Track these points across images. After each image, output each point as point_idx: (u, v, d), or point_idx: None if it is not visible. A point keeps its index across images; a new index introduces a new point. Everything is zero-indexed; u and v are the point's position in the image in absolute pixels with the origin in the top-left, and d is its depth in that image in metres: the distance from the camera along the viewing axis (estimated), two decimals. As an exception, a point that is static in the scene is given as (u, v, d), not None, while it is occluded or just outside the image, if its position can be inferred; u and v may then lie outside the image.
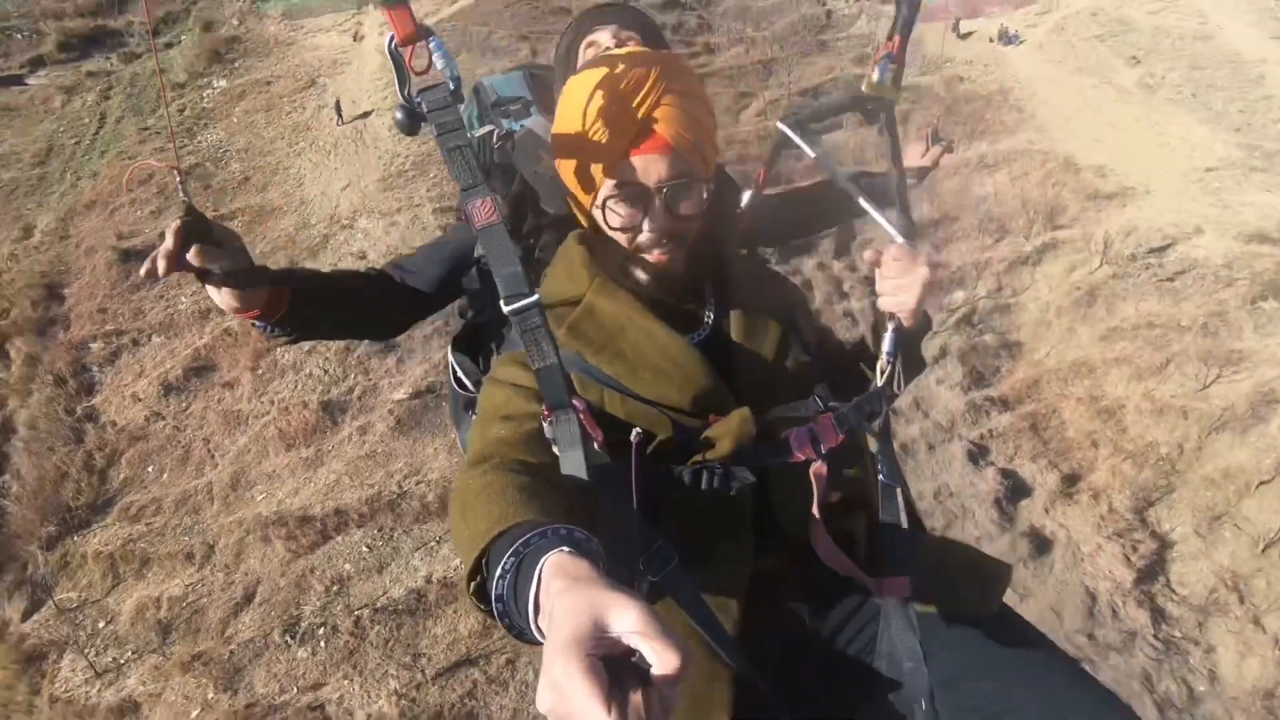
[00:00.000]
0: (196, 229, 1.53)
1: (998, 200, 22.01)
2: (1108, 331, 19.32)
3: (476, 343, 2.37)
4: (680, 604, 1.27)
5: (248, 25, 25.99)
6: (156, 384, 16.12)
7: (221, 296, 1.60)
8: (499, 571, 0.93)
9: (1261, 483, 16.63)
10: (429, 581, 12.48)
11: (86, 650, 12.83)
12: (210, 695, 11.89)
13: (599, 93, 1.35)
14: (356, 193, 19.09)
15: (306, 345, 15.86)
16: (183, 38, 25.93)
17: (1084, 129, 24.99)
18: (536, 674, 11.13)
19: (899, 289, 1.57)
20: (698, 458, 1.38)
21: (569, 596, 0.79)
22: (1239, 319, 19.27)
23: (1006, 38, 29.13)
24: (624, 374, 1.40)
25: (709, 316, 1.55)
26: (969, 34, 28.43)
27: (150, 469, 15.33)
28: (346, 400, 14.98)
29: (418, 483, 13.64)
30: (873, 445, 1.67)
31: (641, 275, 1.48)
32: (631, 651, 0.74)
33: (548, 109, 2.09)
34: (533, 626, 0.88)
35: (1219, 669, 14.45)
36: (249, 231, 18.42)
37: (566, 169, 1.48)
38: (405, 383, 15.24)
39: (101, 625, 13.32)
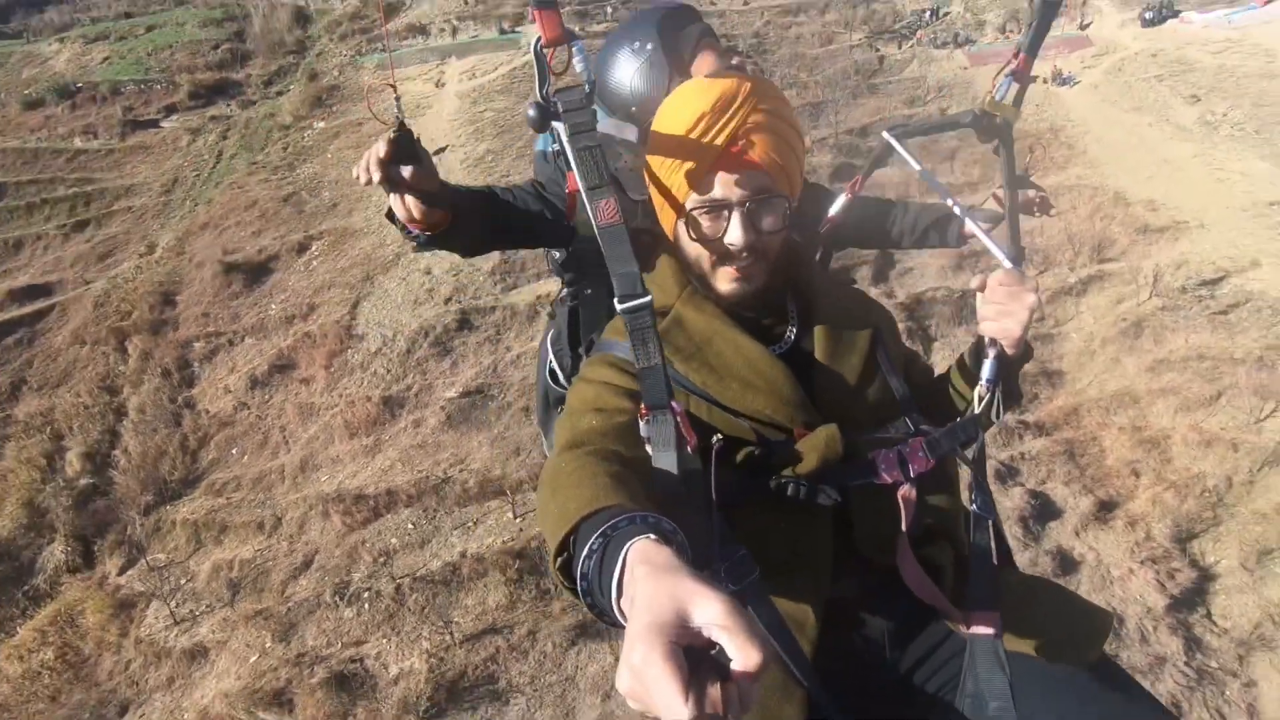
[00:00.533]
0: (405, 145, 1.61)
1: (1042, 233, 21.98)
2: (1155, 363, 18.86)
3: (573, 340, 2.48)
4: (761, 619, 1.24)
5: (345, 75, 29.04)
6: (245, 379, 18.09)
7: (404, 207, 1.63)
8: (585, 551, 0.95)
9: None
10: (463, 557, 13.54)
11: (169, 602, 14.43)
12: (268, 644, 13.20)
13: (693, 110, 1.42)
14: (428, 217, 21.07)
15: (374, 347, 17.53)
16: (291, 87, 29.17)
17: (1137, 165, 24.72)
18: (555, 646, 12.11)
19: (1004, 314, 1.56)
20: (784, 472, 1.37)
21: (652, 583, 0.79)
22: (1299, 353, 18.60)
23: (1061, 79, 29.21)
24: (711, 383, 1.41)
25: (791, 332, 1.55)
26: (1023, 75, 28.65)
27: (234, 451, 17.17)
28: (404, 396, 16.47)
29: (461, 470, 14.86)
30: (965, 474, 1.61)
31: (722, 288, 1.51)
32: (712, 644, 0.73)
33: (614, 110, 2.14)
34: (615, 608, 0.88)
35: (1260, 703, 13.88)
36: (332, 249, 20.56)
37: (655, 180, 1.51)
38: (457, 383, 16.64)
39: (183, 582, 14.97)
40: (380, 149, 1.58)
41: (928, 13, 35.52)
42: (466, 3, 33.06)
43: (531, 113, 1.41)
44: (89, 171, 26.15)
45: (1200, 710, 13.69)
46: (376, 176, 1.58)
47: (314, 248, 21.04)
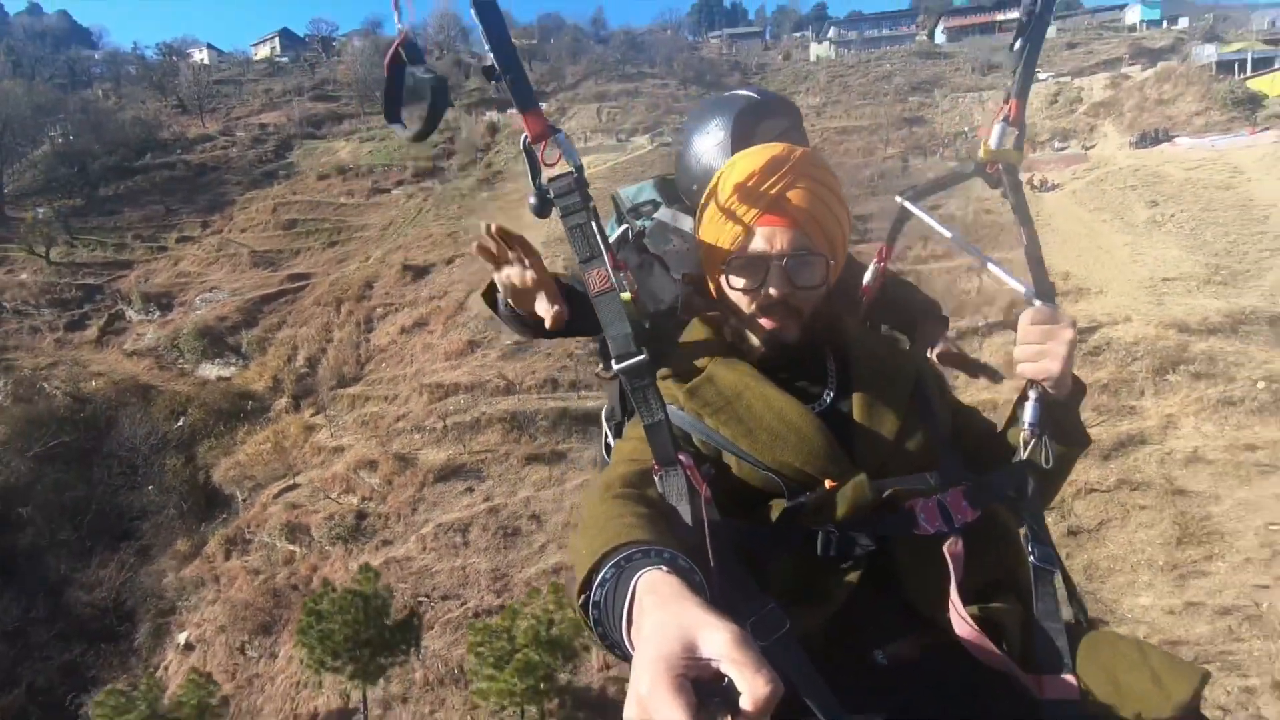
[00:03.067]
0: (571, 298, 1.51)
1: (979, 293, 27.73)
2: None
3: (625, 413, 2.79)
4: (790, 675, 1.08)
5: (508, 165, 41.70)
6: (398, 329, 29.04)
7: (528, 301, 1.49)
8: (599, 580, 0.93)
9: (1090, 489, 20.28)
10: (482, 415, 22.87)
11: (330, 427, 25.02)
12: (375, 447, 23.19)
13: (745, 168, 1.42)
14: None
15: (473, 314, 27.68)
16: (474, 171, 42.34)
17: (1076, 249, 29.53)
18: (516, 460, 21.93)
19: (1042, 354, 1.40)
20: (813, 523, 1.27)
21: (659, 613, 0.77)
22: (1142, 384, 22.83)
23: (1045, 186, 34.54)
24: (741, 436, 1.32)
25: (829, 395, 1.43)
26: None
27: (384, 365, 27.90)
28: (482, 340, 26.41)
29: (499, 377, 24.26)
30: (1023, 528, 1.42)
31: (757, 340, 1.43)
32: (720, 676, 0.69)
33: (673, 205, 2.09)
34: (625, 639, 0.84)
35: None
36: (469, 262, 31.64)
37: (705, 235, 1.50)
38: (511, 336, 26.57)
39: (342, 421, 25.48)
40: (556, 309, 1.45)
41: (962, 134, 42.35)
42: (600, 120, 45.26)
43: (533, 201, 1.44)
44: (343, 215, 40.39)
45: None
46: (549, 324, 1.47)
47: (456, 261, 32.27)
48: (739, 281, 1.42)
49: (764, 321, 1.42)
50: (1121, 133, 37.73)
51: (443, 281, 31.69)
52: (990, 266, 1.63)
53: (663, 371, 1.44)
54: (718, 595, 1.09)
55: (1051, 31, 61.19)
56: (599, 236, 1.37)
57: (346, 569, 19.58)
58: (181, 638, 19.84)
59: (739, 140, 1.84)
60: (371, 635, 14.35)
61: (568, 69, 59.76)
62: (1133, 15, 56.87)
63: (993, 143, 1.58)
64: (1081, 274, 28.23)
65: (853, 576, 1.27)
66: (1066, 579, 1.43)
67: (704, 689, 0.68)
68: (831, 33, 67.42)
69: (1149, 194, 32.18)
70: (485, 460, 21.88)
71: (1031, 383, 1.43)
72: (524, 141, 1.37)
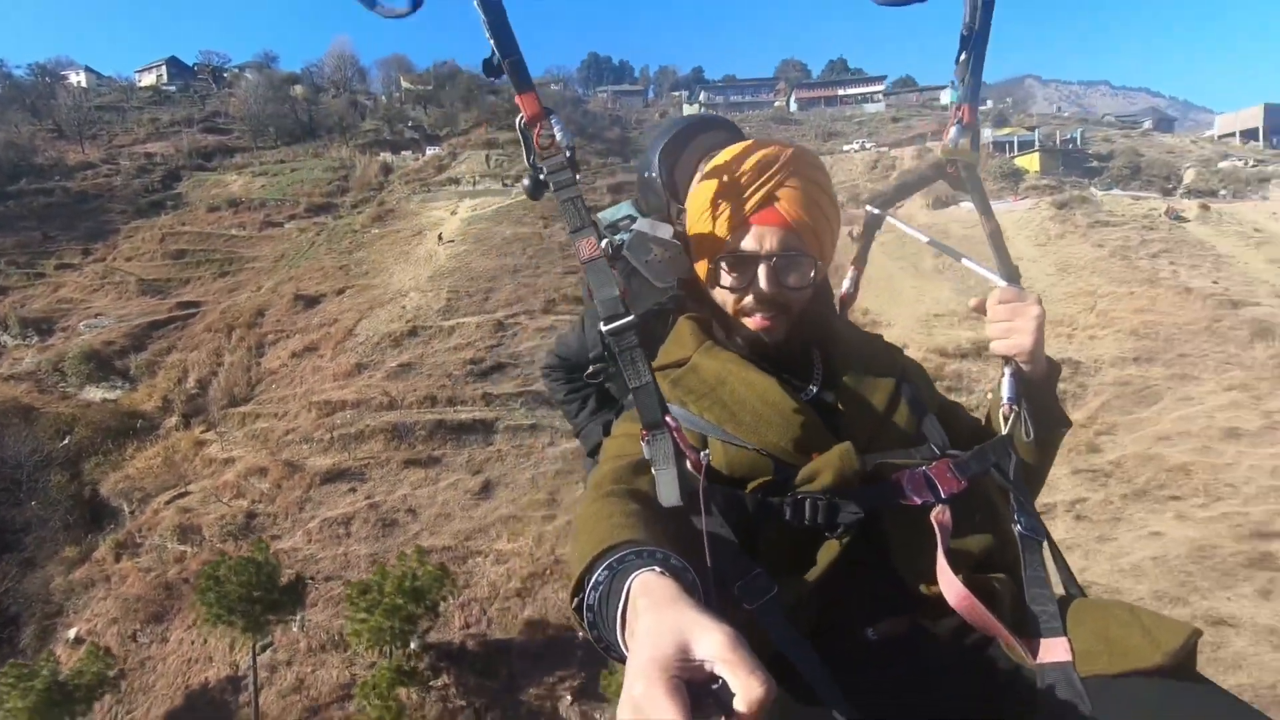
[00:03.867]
0: None
1: None
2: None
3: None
4: (776, 640, 1.11)
5: (400, 204, 44.65)
6: (289, 354, 31.29)
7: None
8: (592, 584, 0.92)
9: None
10: (372, 424, 25.66)
11: (221, 442, 26.99)
12: (266, 460, 25.46)
13: (734, 167, 1.41)
14: (413, 280, 34.80)
15: (361, 340, 30.37)
16: (366, 209, 44.93)
17: (877, 291, 36.08)
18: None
19: (1012, 330, 1.44)
20: (799, 491, 1.27)
21: (653, 615, 0.76)
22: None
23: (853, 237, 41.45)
24: (725, 420, 1.34)
25: (814, 386, 1.44)
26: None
27: (275, 386, 30.06)
28: (368, 364, 29.17)
29: (383, 395, 27.14)
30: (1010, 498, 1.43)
31: (743, 339, 1.43)
32: (714, 678, 0.69)
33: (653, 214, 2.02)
34: (620, 641, 0.84)
35: None
36: (359, 293, 34.32)
37: (693, 229, 1.49)
38: (398, 360, 29.26)
39: (233, 436, 27.45)
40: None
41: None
42: (489, 166, 49.07)
43: (526, 182, 1.46)
44: (234, 246, 41.95)
45: None
46: None
47: (347, 292, 34.92)
48: (727, 279, 1.42)
49: (751, 320, 1.43)
50: (923, 196, 45.51)
51: (333, 310, 34.12)
52: (964, 260, 1.75)
53: (654, 363, 1.45)
54: (709, 573, 1.09)
55: (880, 107, 71.48)
56: (585, 211, 1.39)
57: (236, 563, 21.84)
58: (71, 633, 21.17)
59: (670, 151, 1.96)
60: (261, 595, 16.79)
61: (460, 115, 63.29)
62: (946, 96, 67.41)
63: (950, 143, 1.65)
64: (878, 310, 34.62)
65: (840, 545, 1.27)
66: (1054, 549, 1.43)
67: (698, 691, 0.69)
68: (702, 95, 74.87)
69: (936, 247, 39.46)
70: (368, 465, 24.63)
71: (1006, 359, 1.49)
72: (519, 123, 1.39)
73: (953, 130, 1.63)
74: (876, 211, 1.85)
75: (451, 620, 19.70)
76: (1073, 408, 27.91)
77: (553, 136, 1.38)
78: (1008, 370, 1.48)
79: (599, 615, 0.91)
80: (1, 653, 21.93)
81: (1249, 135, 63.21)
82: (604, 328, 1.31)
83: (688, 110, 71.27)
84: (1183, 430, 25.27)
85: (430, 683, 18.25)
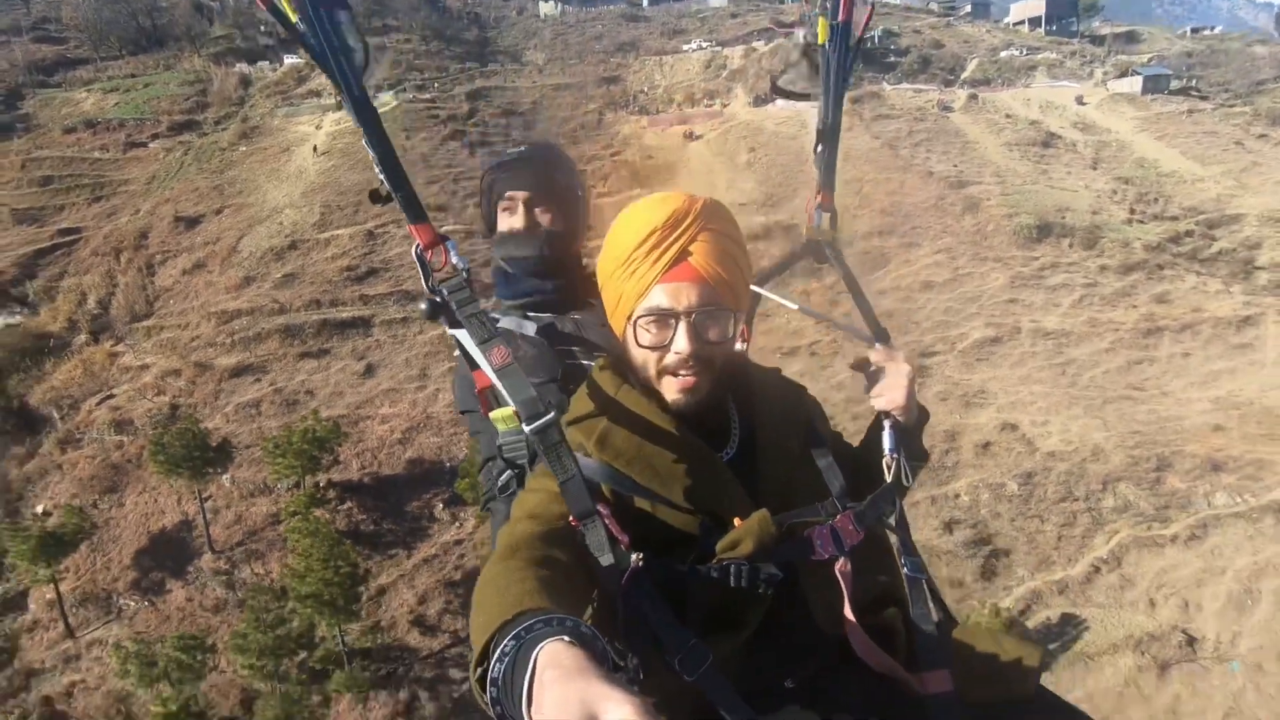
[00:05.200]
0: None
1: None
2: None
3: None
4: (718, 704, 1.17)
5: (264, 119, 46.23)
6: (180, 271, 34.83)
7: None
8: (497, 655, 0.88)
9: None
10: (266, 325, 30.49)
11: (133, 351, 31.13)
12: (176, 360, 30.03)
13: (645, 223, 1.38)
14: (286, 197, 38.22)
15: (245, 255, 34.26)
16: (230, 125, 46.23)
17: (696, 184, 42.38)
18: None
19: (888, 388, 1.58)
20: (724, 557, 1.33)
21: (560, 688, 0.75)
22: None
23: (693, 136, 47.19)
24: (653, 481, 1.36)
25: (733, 444, 1.49)
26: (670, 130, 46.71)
27: (172, 301, 33.88)
28: (254, 277, 33.32)
29: (272, 302, 31.74)
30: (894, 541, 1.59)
31: (669, 395, 1.42)
32: None
33: (511, 312, 2.08)
34: (525, 716, 0.81)
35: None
36: (236, 212, 37.54)
37: (607, 291, 1.47)
38: (282, 271, 33.55)
39: (142, 347, 31.59)
40: None
41: (642, 92, 53.70)
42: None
43: (424, 306, 1.46)
44: (102, 170, 43.12)
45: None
46: None
47: (225, 211, 38.00)
48: (646, 338, 1.40)
49: (674, 380, 1.42)
50: (747, 94, 51.26)
51: (214, 229, 37.31)
52: (836, 325, 1.94)
53: (566, 417, 1.45)
54: (634, 648, 1.17)
55: (723, 2, 74.18)
56: (491, 322, 1.44)
57: (169, 444, 27.14)
58: (39, 508, 26.20)
59: (487, 217, 2.06)
60: (198, 454, 22.47)
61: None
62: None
63: (814, 225, 1.80)
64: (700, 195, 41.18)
65: (763, 603, 1.35)
66: (930, 584, 1.56)
67: None
68: (559, -10, 75.30)
69: (750, 142, 45.86)
70: (268, 360, 29.73)
71: (885, 413, 1.61)
72: (416, 249, 1.42)
73: (815, 214, 1.84)
74: (759, 290, 1.93)
75: (350, 465, 26.17)
76: (824, 273, 35.50)
77: (451, 261, 1.48)
78: (887, 424, 1.62)
79: (502, 689, 0.88)
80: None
81: (1035, 23, 71.47)
82: (528, 428, 1.33)
83: (544, 9, 71.92)
84: (895, 285, 33.94)
85: (338, 507, 24.94)
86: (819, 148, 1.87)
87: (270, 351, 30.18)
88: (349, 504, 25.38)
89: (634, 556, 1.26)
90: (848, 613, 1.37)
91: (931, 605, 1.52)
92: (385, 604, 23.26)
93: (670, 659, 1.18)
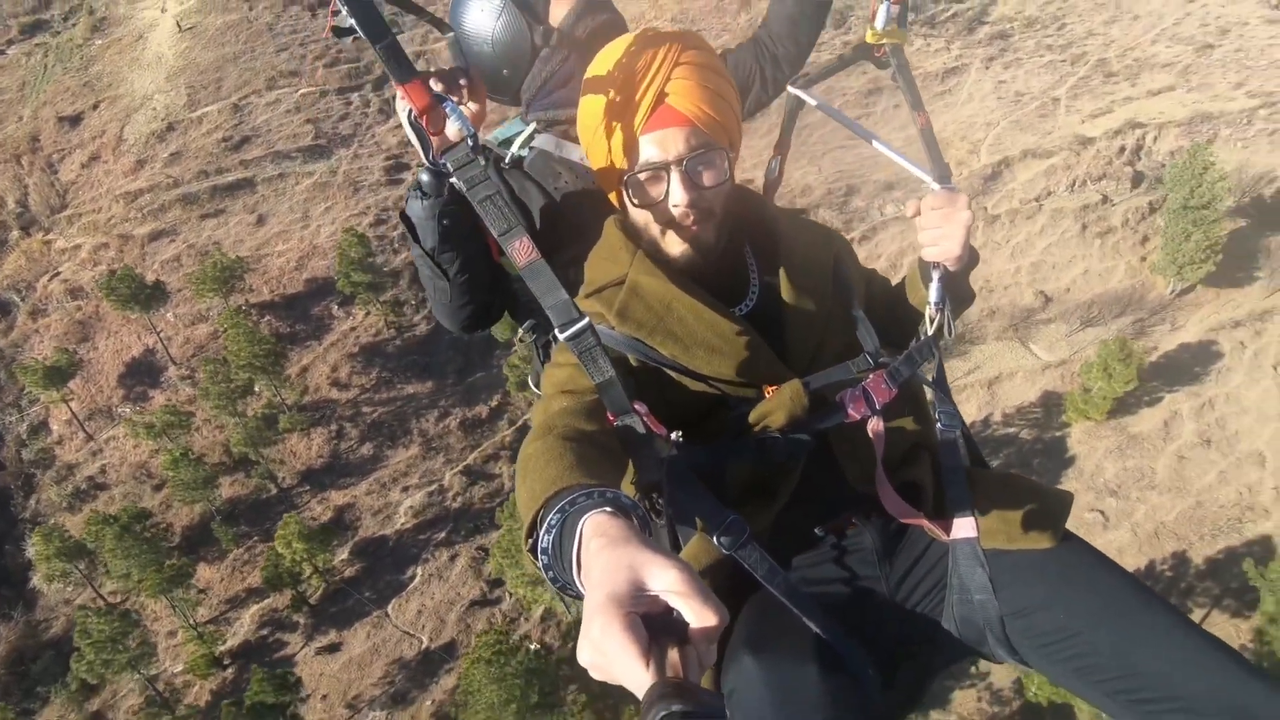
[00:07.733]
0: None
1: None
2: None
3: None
4: (758, 575, 1.18)
5: (109, 8, 47.70)
6: (79, 165, 39.48)
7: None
8: (545, 527, 0.92)
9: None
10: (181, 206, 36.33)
11: (59, 234, 36.91)
12: (104, 238, 36.06)
13: (613, 75, 1.28)
14: (154, 84, 41.91)
15: (131, 142, 38.89)
16: (79, 20, 47.71)
17: None
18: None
19: (942, 237, 1.44)
20: (759, 429, 1.31)
21: (607, 555, 0.77)
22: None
23: None
24: (680, 354, 1.31)
25: (754, 283, 1.42)
26: None
27: (81, 191, 38.95)
28: (147, 159, 38.35)
29: (167, 178, 37.24)
30: (929, 393, 1.54)
31: (675, 250, 1.35)
32: (669, 609, 0.71)
33: (487, 80, 1.73)
34: (576, 580, 0.85)
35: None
36: (111, 105, 41.34)
37: (593, 155, 1.38)
38: (169, 153, 38.56)
39: (69, 232, 37.34)
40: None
41: None
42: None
43: (424, 177, 1.33)
44: (-28, 83, 45.28)
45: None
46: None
47: (100, 106, 41.66)
48: (640, 196, 1.31)
49: (677, 232, 1.34)
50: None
51: (97, 124, 41.25)
52: (890, 153, 1.61)
53: (585, 288, 1.40)
54: (686, 516, 1.19)
55: None
56: (511, 206, 1.23)
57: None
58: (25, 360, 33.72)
59: (521, 2, 1.65)
60: (143, 294, 30.12)
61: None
62: None
63: (879, 24, 1.50)
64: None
65: (795, 473, 1.34)
66: (967, 434, 1.53)
67: (655, 624, 0.70)
68: None
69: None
70: (176, 225, 35.92)
71: (935, 264, 1.48)
72: (409, 116, 1.23)
73: (881, 9, 1.51)
74: (797, 93, 1.71)
75: (262, 290, 33.76)
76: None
77: (451, 129, 1.24)
78: (935, 274, 1.50)
79: (554, 557, 0.91)
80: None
81: None
82: (561, 335, 1.25)
83: None
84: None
85: (259, 320, 32.90)
86: None
87: (176, 218, 36.24)
88: (268, 317, 33.31)
89: (672, 435, 1.28)
90: (880, 476, 1.38)
91: (963, 456, 1.51)
92: (310, 375, 32.12)
93: (711, 534, 1.19)
